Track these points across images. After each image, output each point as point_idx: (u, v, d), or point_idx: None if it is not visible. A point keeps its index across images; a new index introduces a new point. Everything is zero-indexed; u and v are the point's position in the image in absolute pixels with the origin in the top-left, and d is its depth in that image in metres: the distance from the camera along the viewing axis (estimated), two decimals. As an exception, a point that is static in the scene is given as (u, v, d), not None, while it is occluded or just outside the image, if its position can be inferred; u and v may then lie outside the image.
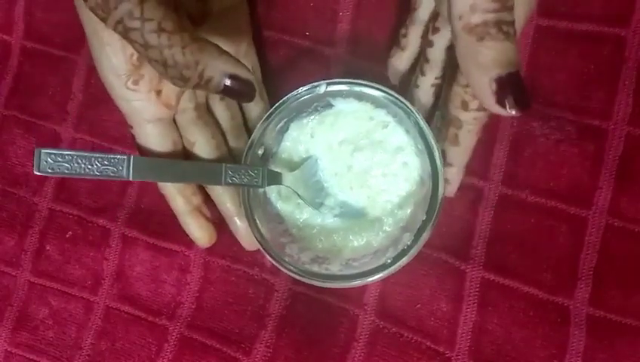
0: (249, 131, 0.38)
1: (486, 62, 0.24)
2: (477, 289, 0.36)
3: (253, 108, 0.37)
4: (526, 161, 0.36)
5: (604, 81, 0.35)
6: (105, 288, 0.40)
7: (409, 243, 0.32)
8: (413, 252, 0.32)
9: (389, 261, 0.32)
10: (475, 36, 0.24)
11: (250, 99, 0.29)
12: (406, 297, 0.37)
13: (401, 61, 0.36)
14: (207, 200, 0.37)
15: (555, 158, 0.36)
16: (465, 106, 0.31)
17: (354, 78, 0.34)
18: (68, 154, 0.30)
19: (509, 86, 0.24)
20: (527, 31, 0.36)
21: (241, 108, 0.38)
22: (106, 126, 0.41)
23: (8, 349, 0.41)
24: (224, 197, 0.36)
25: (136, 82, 0.32)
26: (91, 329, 0.40)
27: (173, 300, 0.39)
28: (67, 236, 0.40)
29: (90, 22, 0.31)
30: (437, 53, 0.33)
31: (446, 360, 0.36)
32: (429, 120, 0.35)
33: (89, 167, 0.30)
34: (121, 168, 0.30)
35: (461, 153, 0.33)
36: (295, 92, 0.34)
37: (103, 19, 0.26)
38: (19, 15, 0.42)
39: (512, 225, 0.36)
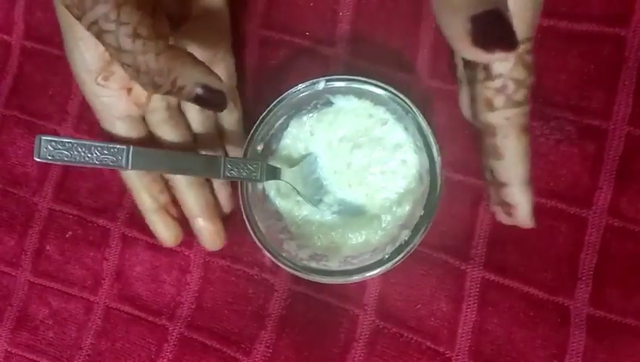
0: (221, 139, 0.37)
1: (458, 1, 0.22)
2: (477, 289, 0.36)
3: (227, 116, 0.37)
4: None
5: (604, 81, 0.35)
6: (105, 288, 0.40)
7: (406, 239, 0.32)
8: (410, 248, 0.32)
9: (386, 256, 0.32)
10: None
11: (221, 108, 0.29)
12: (406, 297, 0.37)
13: (464, 92, 0.33)
14: (175, 199, 0.37)
15: (555, 158, 0.36)
16: (490, 106, 0.27)
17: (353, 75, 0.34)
18: (68, 142, 0.30)
19: (487, 24, 0.21)
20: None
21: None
22: (106, 126, 0.41)
23: (8, 349, 0.41)
24: (188, 196, 0.35)
25: (106, 78, 0.32)
26: (91, 329, 0.40)
27: (173, 300, 0.39)
28: (67, 236, 0.40)
29: (65, 17, 0.31)
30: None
31: (446, 360, 0.36)
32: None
33: (88, 155, 0.30)
34: (120, 158, 0.31)
35: (511, 166, 0.28)
36: (294, 88, 0.34)
37: (78, 18, 0.26)
38: (19, 15, 0.42)
39: (512, 225, 0.36)
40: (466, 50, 0.22)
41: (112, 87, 0.32)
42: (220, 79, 0.29)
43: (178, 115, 0.35)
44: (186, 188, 0.35)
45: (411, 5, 0.37)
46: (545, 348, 0.35)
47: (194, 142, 0.36)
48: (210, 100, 0.29)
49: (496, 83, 0.27)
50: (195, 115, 0.36)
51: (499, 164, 0.28)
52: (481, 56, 0.22)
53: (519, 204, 0.29)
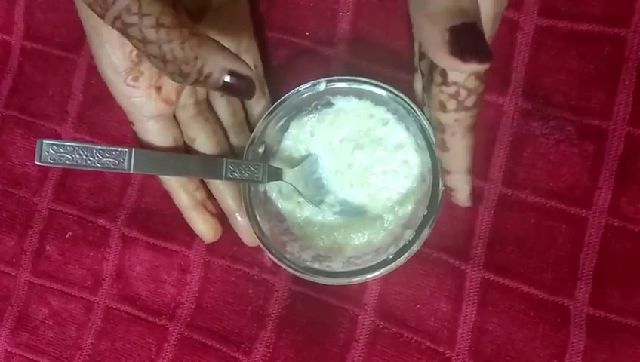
0: (251, 128, 0.38)
1: (437, 11, 0.22)
2: (477, 289, 0.36)
3: (256, 104, 0.37)
4: (526, 161, 0.36)
5: (604, 81, 0.35)
6: (105, 288, 0.40)
7: (410, 238, 0.32)
8: (414, 248, 0.32)
9: (390, 257, 0.32)
10: None
11: (250, 96, 0.29)
12: (406, 297, 0.37)
13: (420, 83, 0.34)
14: (211, 196, 0.37)
15: (555, 158, 0.36)
16: (443, 108, 0.29)
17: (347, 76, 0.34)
18: (69, 146, 0.30)
19: (464, 35, 0.22)
20: (528, 31, 0.36)
21: (243, 104, 0.38)
22: (106, 126, 0.41)
23: (8, 349, 0.41)
24: (225, 193, 0.36)
25: (135, 79, 0.32)
26: (91, 329, 0.40)
27: (173, 300, 0.39)
28: (67, 236, 0.40)
29: (89, 19, 0.31)
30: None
31: (446, 360, 0.36)
32: None
33: (90, 158, 0.30)
34: (122, 161, 0.31)
35: (453, 158, 0.31)
36: (295, 90, 0.34)
37: (101, 15, 0.26)
38: (19, 15, 0.42)
39: (512, 225, 0.36)
40: (442, 58, 0.22)
41: (142, 87, 0.32)
42: (247, 65, 0.29)
43: (207, 110, 0.36)
44: (221, 185, 0.36)
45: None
46: (545, 348, 0.35)
47: (226, 137, 0.36)
48: (239, 87, 0.28)
49: (450, 89, 0.28)
50: (223, 108, 0.36)
51: (445, 156, 0.31)
52: (456, 66, 0.22)
53: (458, 188, 0.32)
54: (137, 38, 0.26)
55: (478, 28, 0.22)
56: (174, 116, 0.35)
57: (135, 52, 0.31)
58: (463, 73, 0.27)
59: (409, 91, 0.35)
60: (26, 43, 0.42)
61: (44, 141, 0.29)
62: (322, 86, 0.34)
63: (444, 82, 0.28)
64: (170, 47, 0.26)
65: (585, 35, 0.36)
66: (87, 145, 0.30)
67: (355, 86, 0.34)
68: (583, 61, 0.36)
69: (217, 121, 0.37)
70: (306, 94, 0.34)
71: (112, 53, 0.31)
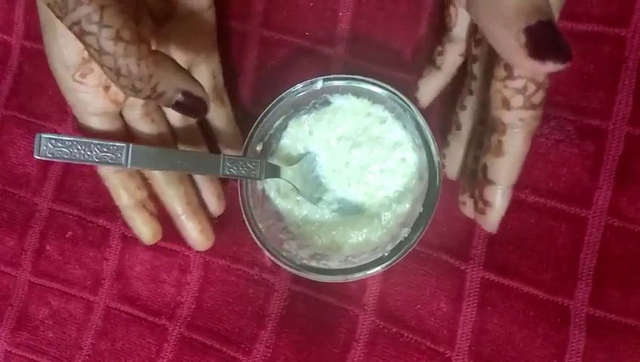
0: (208, 135, 0.37)
1: (509, 13, 0.21)
2: (477, 289, 0.36)
3: (214, 114, 0.37)
4: (526, 161, 0.36)
5: (604, 81, 0.35)
6: (105, 288, 0.40)
7: (406, 236, 0.32)
8: (410, 245, 0.32)
9: (386, 254, 0.32)
10: None
11: (201, 116, 0.29)
12: (406, 297, 0.37)
13: (435, 81, 0.34)
14: (153, 195, 0.36)
15: (555, 158, 0.36)
16: (506, 105, 0.27)
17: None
18: (67, 140, 0.30)
19: (542, 35, 0.21)
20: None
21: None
22: (106, 126, 0.41)
23: (8, 349, 0.41)
24: (169, 193, 0.35)
25: (84, 75, 0.32)
26: (91, 329, 0.40)
27: (173, 300, 0.39)
28: (67, 236, 0.40)
29: (46, 11, 0.31)
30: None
31: (446, 360, 0.36)
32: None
33: (88, 153, 0.30)
34: (119, 155, 0.31)
35: (507, 166, 0.28)
36: (292, 88, 0.34)
37: (59, 18, 0.26)
38: (19, 15, 0.42)
39: (512, 225, 0.36)
40: (522, 62, 0.21)
41: (90, 84, 0.32)
42: (201, 86, 0.29)
43: (155, 111, 0.35)
44: (164, 185, 0.35)
45: (411, 5, 0.37)
46: (545, 348, 0.35)
47: (173, 138, 0.36)
48: (191, 107, 0.28)
49: (517, 83, 0.26)
50: (173, 112, 0.35)
51: (496, 162, 0.28)
52: (536, 68, 0.21)
53: (496, 206, 0.29)
54: (93, 47, 0.26)
55: (554, 25, 0.21)
56: (121, 114, 0.35)
57: None
58: (541, 74, 0.25)
59: (407, 90, 0.35)
60: (26, 43, 0.42)
61: (43, 135, 0.30)
62: (319, 84, 0.34)
63: (510, 75, 0.26)
64: (125, 61, 0.26)
65: (585, 35, 0.36)
66: (85, 140, 0.30)
67: (353, 84, 0.34)
68: (583, 61, 0.36)
69: (165, 123, 0.36)
70: (304, 93, 0.34)
71: (64, 48, 0.31)
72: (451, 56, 0.33)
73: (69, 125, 0.41)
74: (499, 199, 0.28)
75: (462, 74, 0.34)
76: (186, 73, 0.28)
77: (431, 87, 0.35)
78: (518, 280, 0.36)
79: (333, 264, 0.34)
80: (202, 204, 0.37)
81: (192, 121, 0.36)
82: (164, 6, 0.33)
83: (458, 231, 0.36)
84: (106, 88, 0.33)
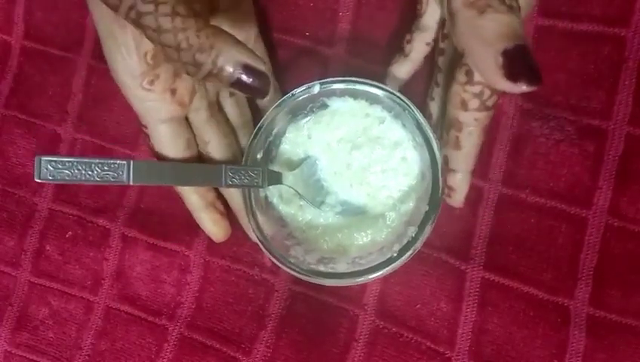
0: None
1: (490, 36, 0.23)
2: (477, 289, 0.36)
3: (266, 103, 0.37)
4: (526, 161, 0.36)
5: (604, 81, 0.35)
6: (105, 288, 0.40)
7: (413, 235, 0.32)
8: (418, 245, 0.32)
9: (394, 255, 0.32)
10: (476, 10, 0.23)
11: (264, 94, 0.28)
12: (406, 297, 0.37)
13: (403, 68, 0.36)
14: (220, 195, 0.37)
15: (555, 158, 0.36)
16: (464, 106, 0.30)
17: (347, 76, 0.34)
18: (68, 161, 0.30)
19: (517, 58, 0.22)
20: (528, 31, 0.36)
21: (250, 104, 0.38)
22: (106, 126, 0.41)
23: (8, 349, 0.41)
24: (233, 192, 0.36)
25: (151, 82, 0.32)
26: (91, 329, 0.40)
27: (173, 300, 0.39)
28: (67, 236, 0.40)
29: (103, 22, 0.31)
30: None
31: (446, 360, 0.36)
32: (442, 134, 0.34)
33: (89, 173, 0.30)
34: (121, 173, 0.30)
35: (464, 157, 0.32)
36: (290, 94, 0.34)
37: (115, 7, 0.26)
38: (19, 15, 0.42)
39: (512, 225, 0.36)
40: (497, 81, 0.23)
41: (157, 90, 0.32)
42: (262, 61, 0.28)
43: (219, 113, 0.36)
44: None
45: (411, 5, 0.37)
46: (545, 348, 0.35)
47: (235, 138, 0.37)
48: (253, 85, 0.27)
49: (475, 88, 0.29)
50: (232, 109, 0.37)
51: (455, 154, 0.32)
52: (510, 88, 0.23)
53: (459, 189, 0.33)
54: (152, 28, 0.26)
55: (528, 50, 0.22)
56: (186, 119, 0.35)
57: (150, 54, 0.31)
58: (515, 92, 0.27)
59: (406, 90, 0.35)
60: (26, 43, 0.42)
61: (43, 158, 0.29)
62: (316, 88, 0.34)
63: (470, 81, 0.29)
64: (185, 35, 0.26)
65: (585, 35, 0.36)
66: (86, 160, 0.30)
67: (350, 86, 0.34)
68: (583, 61, 0.36)
69: (228, 122, 0.37)
70: (301, 97, 0.34)
71: (127, 57, 0.31)
72: (419, 45, 0.35)
73: (69, 125, 0.41)
74: (460, 184, 0.33)
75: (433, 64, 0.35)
76: (246, 47, 0.27)
77: (399, 73, 0.36)
78: (518, 280, 0.36)
79: (341, 267, 0.33)
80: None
81: (248, 117, 0.37)
82: (206, 3, 0.33)
83: (458, 231, 0.36)
84: (172, 92, 0.33)
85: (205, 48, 0.26)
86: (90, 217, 0.40)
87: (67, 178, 0.30)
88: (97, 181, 0.30)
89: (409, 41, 0.35)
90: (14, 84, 0.42)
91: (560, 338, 0.35)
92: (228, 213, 0.37)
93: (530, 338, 0.35)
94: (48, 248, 0.41)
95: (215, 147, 0.35)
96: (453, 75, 0.30)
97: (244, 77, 0.27)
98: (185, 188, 0.36)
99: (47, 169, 0.29)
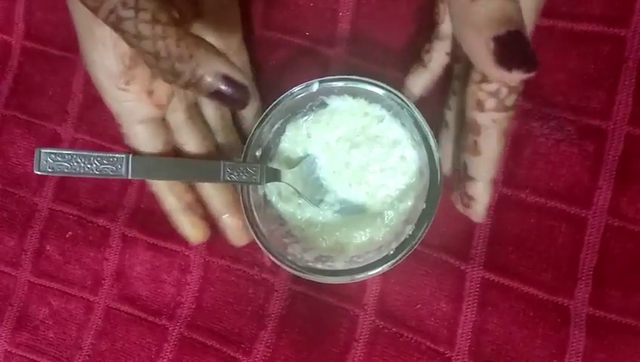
0: (241, 131, 0.37)
1: (480, 21, 0.22)
2: (477, 289, 0.36)
3: (245, 111, 0.37)
4: (526, 161, 0.36)
5: (604, 81, 0.35)
6: (105, 288, 0.40)
7: (410, 233, 0.32)
8: (415, 242, 0.32)
9: (391, 252, 0.32)
10: None
11: (243, 105, 0.28)
12: (406, 297, 0.37)
13: (423, 79, 0.35)
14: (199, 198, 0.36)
15: (555, 158, 0.36)
16: (480, 106, 0.28)
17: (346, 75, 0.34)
18: (67, 154, 0.30)
19: (510, 45, 0.21)
20: (527, 31, 0.36)
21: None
22: (106, 126, 0.41)
23: (8, 349, 0.41)
24: (213, 194, 0.35)
25: (127, 82, 0.31)
26: (91, 329, 0.40)
27: (173, 300, 0.39)
28: (67, 236, 0.40)
29: (83, 20, 0.30)
30: None
31: (446, 360, 0.36)
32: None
33: (88, 166, 0.30)
34: (120, 167, 0.31)
35: (483, 163, 0.30)
36: (289, 92, 0.34)
37: (94, 9, 0.26)
38: (19, 15, 0.42)
39: (512, 225, 0.36)
40: (489, 69, 0.22)
41: (134, 91, 0.32)
42: (242, 72, 0.27)
43: (197, 115, 0.35)
44: (211, 188, 0.35)
45: (410, 5, 0.37)
46: (545, 348, 0.35)
47: (214, 141, 0.36)
48: (231, 95, 0.27)
49: (491, 87, 0.28)
50: (211, 112, 0.36)
51: (474, 160, 0.30)
52: (503, 76, 0.22)
53: (479, 199, 0.31)
54: (131, 33, 0.25)
55: (523, 36, 0.22)
56: (164, 120, 0.35)
57: (128, 55, 0.30)
58: (510, 82, 0.26)
59: (403, 88, 0.35)
60: (26, 43, 0.42)
61: (42, 150, 0.29)
62: (315, 87, 0.34)
63: (484, 79, 0.28)
64: (165, 43, 0.25)
65: (585, 35, 0.36)
66: (85, 153, 0.30)
67: (349, 85, 0.34)
68: (583, 61, 0.36)
69: (206, 124, 0.36)
70: (300, 96, 0.34)
71: (105, 56, 0.30)
72: (438, 54, 0.34)
73: (69, 125, 0.41)
74: (481, 193, 0.31)
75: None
76: (227, 58, 0.27)
77: (417, 84, 0.35)
78: (518, 280, 0.36)
79: (339, 265, 0.34)
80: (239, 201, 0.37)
81: (229, 122, 0.36)
82: (191, 6, 0.33)
83: (458, 231, 0.36)
84: (150, 93, 0.32)
85: (185, 58, 0.26)
86: (90, 217, 0.40)
87: (66, 170, 0.30)
88: (96, 174, 0.30)
89: (428, 51, 0.34)
90: (14, 84, 0.42)
91: (560, 338, 0.35)
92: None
93: (530, 338, 0.35)
94: (48, 248, 0.41)
95: (191, 149, 0.35)
96: (469, 76, 0.29)
97: (223, 87, 0.27)
98: (161, 188, 0.34)
99: (46, 161, 0.30)
